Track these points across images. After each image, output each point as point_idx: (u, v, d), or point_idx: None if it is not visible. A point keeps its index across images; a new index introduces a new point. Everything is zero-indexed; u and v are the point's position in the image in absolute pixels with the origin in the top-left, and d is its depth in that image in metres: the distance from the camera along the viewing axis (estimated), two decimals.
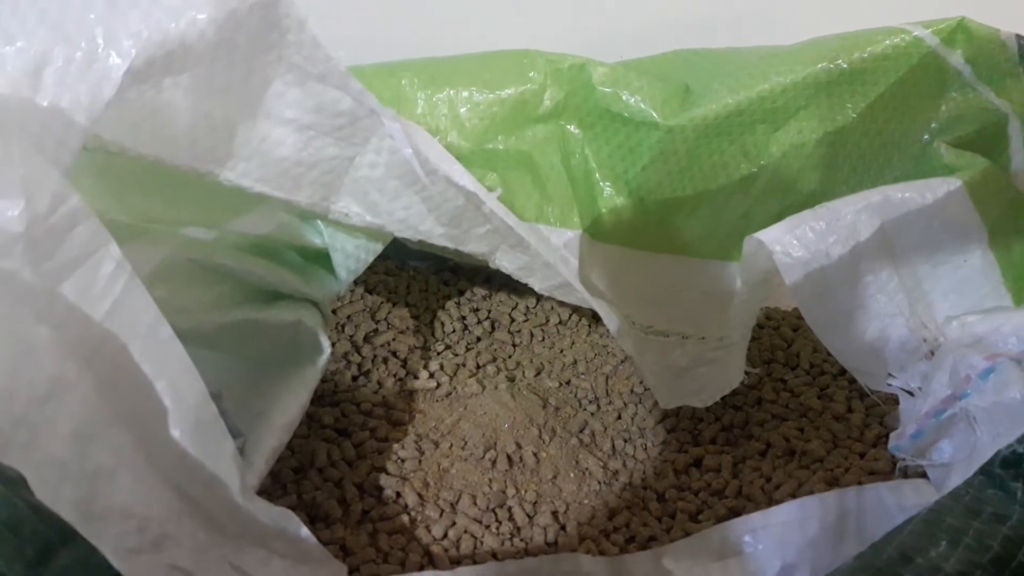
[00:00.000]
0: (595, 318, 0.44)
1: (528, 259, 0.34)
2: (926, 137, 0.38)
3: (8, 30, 0.23)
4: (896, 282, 0.32)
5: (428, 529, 0.32)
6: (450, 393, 0.38)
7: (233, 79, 0.27)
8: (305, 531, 0.26)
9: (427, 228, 0.32)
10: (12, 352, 0.20)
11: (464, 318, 0.43)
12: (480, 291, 0.45)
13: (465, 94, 0.36)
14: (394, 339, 0.40)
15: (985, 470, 0.23)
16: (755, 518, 0.29)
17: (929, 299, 0.32)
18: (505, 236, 0.33)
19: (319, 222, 0.33)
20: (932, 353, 0.32)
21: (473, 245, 0.33)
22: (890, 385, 0.33)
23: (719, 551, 0.28)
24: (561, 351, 0.42)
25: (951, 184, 0.31)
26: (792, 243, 0.30)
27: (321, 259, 0.34)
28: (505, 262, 0.34)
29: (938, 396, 0.30)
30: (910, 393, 0.32)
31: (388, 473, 0.33)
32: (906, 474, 0.32)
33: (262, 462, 0.27)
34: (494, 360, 0.40)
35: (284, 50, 0.26)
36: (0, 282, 0.20)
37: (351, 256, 0.34)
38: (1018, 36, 0.34)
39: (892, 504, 0.28)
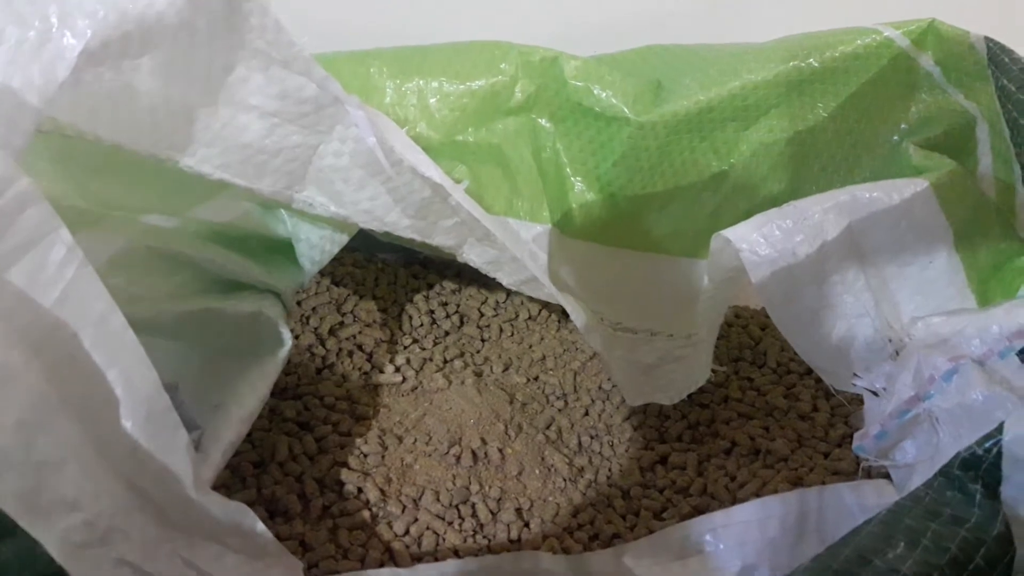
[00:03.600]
0: (565, 314, 0.43)
1: (496, 253, 0.33)
2: (895, 138, 0.38)
3: None
4: (863, 282, 0.32)
5: (390, 525, 0.31)
6: (416, 388, 0.38)
7: (194, 63, 0.26)
8: (261, 526, 0.25)
9: (393, 219, 0.31)
10: None
11: (432, 312, 0.42)
12: (450, 285, 0.44)
13: (435, 84, 0.36)
14: (360, 332, 0.39)
15: (944, 472, 0.23)
16: (716, 517, 0.29)
17: (895, 299, 0.32)
18: (472, 229, 0.32)
19: (283, 211, 0.33)
20: (897, 353, 0.32)
21: (440, 238, 0.33)
22: (855, 385, 0.33)
23: (680, 550, 0.28)
24: (530, 347, 0.42)
25: (918, 185, 0.31)
26: (759, 241, 0.30)
27: (285, 249, 0.33)
28: (473, 256, 0.34)
29: (902, 397, 0.30)
30: (875, 393, 0.32)
31: (350, 468, 0.33)
32: (869, 474, 0.32)
33: (219, 455, 0.27)
34: (462, 355, 0.40)
35: (247, 34, 0.26)
36: None
37: (315, 247, 0.33)
38: (987, 39, 0.34)
39: (853, 504, 0.28)
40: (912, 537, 0.20)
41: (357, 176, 0.30)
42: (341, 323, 0.40)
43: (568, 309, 0.34)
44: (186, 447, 0.24)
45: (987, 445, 0.22)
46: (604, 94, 0.37)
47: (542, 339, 0.42)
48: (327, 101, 0.28)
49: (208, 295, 0.31)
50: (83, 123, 0.26)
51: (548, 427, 0.37)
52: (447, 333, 0.42)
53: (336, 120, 0.28)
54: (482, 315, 0.43)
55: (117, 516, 0.22)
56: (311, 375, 0.37)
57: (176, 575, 0.23)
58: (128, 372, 0.22)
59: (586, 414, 0.38)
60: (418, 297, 0.43)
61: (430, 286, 0.44)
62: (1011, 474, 0.22)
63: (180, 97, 0.27)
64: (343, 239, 0.34)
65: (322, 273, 0.41)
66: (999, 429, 0.22)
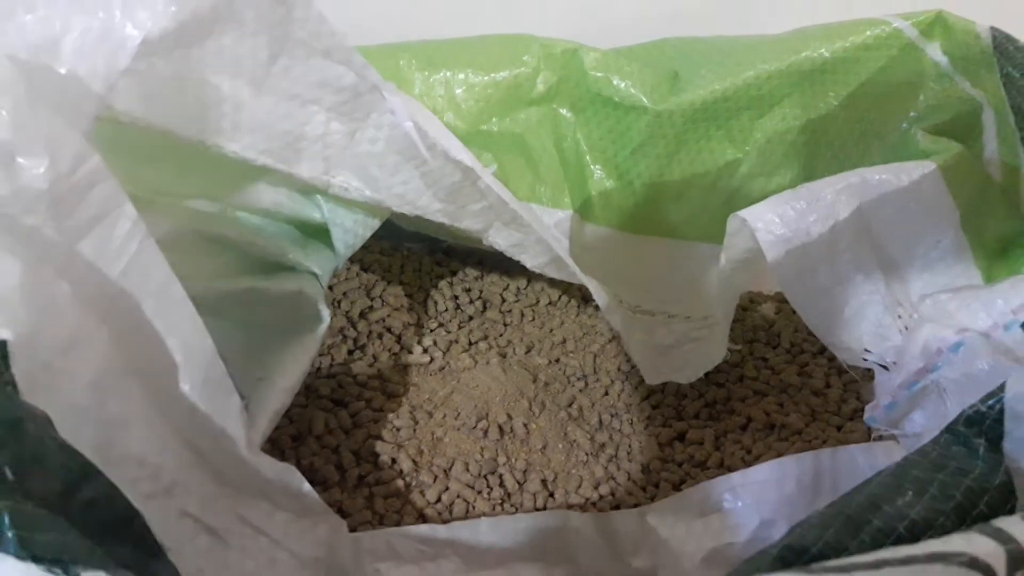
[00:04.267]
0: (584, 299, 0.45)
1: (521, 236, 0.35)
2: (905, 125, 0.39)
3: (25, 1, 0.24)
4: (873, 261, 0.33)
5: (422, 493, 0.33)
6: (443, 367, 0.39)
7: (241, 53, 0.28)
8: (307, 486, 0.27)
9: (424, 203, 0.33)
10: (37, 304, 0.21)
11: (456, 297, 0.44)
12: (472, 272, 0.46)
13: (461, 76, 0.38)
14: (389, 315, 0.41)
15: (951, 428, 0.24)
16: (734, 477, 0.30)
17: (904, 277, 0.34)
18: (499, 213, 0.34)
19: (319, 197, 0.34)
20: (906, 329, 0.33)
21: (468, 221, 0.34)
22: (866, 360, 0.34)
23: (700, 509, 0.29)
24: (551, 330, 0.43)
25: (926, 167, 0.33)
26: (774, 221, 0.32)
27: (320, 234, 0.35)
28: (499, 239, 0.35)
29: (911, 369, 0.32)
30: (885, 367, 0.34)
31: (384, 440, 0.35)
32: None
33: (265, 422, 0.28)
34: (486, 338, 0.42)
35: (290, 26, 0.28)
36: (26, 237, 0.21)
37: (349, 231, 0.35)
38: (993, 29, 0.36)
39: (864, 464, 0.29)
40: (920, 486, 0.22)
41: (392, 161, 0.31)
42: (371, 307, 0.41)
43: (591, 288, 0.36)
44: (239, 411, 0.25)
45: (990, 403, 0.23)
46: (623, 84, 0.39)
47: (562, 323, 0.44)
48: (365, 89, 0.29)
49: (251, 275, 0.33)
50: (137, 110, 0.27)
51: (570, 405, 0.39)
52: (471, 317, 0.43)
53: (372, 108, 0.30)
54: (504, 300, 0.45)
55: (179, 472, 0.24)
56: (344, 355, 0.39)
57: (232, 528, 0.24)
58: (186, 340, 0.24)
59: (606, 394, 0.40)
60: (442, 283, 0.45)
61: (453, 273, 0.46)
62: (1012, 429, 0.23)
63: (227, 85, 0.28)
64: (375, 224, 0.35)
65: (351, 260, 0.43)
66: (1001, 387, 0.24)
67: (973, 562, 0.15)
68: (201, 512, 0.24)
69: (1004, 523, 0.16)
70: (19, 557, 0.16)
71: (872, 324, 0.34)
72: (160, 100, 0.27)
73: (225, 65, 0.28)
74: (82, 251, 0.23)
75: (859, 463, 0.29)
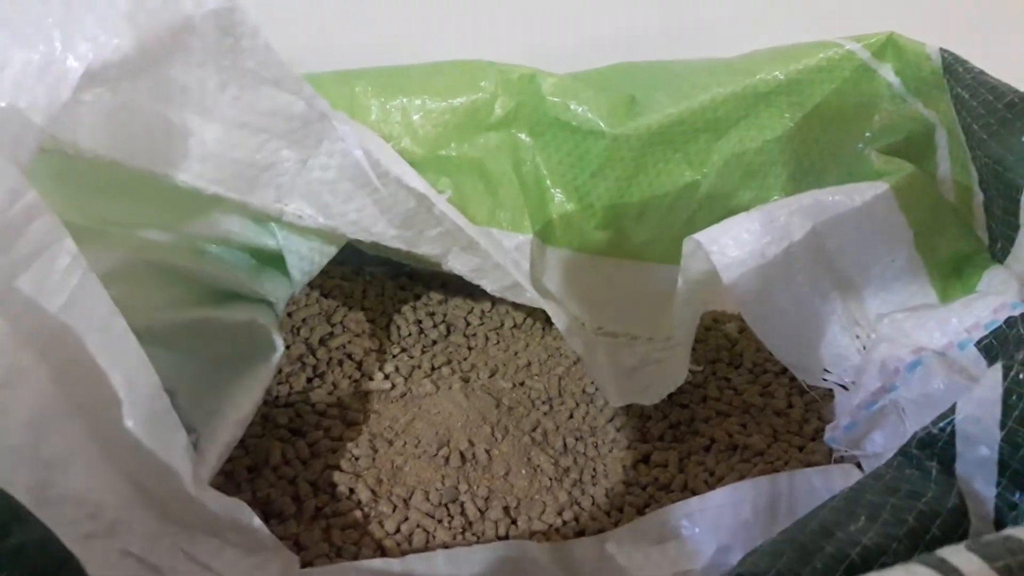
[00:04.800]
0: (549, 322, 0.45)
1: (480, 261, 0.35)
2: (860, 145, 0.39)
3: None
4: (829, 281, 0.33)
5: (381, 524, 0.32)
6: (405, 394, 0.39)
7: (188, 83, 0.28)
8: (257, 521, 0.26)
9: (380, 230, 0.32)
10: None
11: (420, 322, 0.44)
12: (436, 296, 0.45)
13: (418, 102, 0.37)
14: (349, 342, 0.41)
15: (904, 451, 0.24)
16: (692, 503, 0.30)
17: (860, 297, 0.34)
18: (457, 238, 0.34)
19: (273, 224, 0.34)
20: (864, 348, 0.33)
21: (426, 247, 0.34)
22: (826, 380, 0.34)
23: (659, 535, 0.29)
24: (515, 353, 0.43)
25: (879, 188, 0.33)
26: (728, 243, 0.32)
27: (275, 261, 0.35)
28: (458, 264, 0.35)
29: (869, 389, 0.32)
30: (844, 387, 0.34)
31: (342, 470, 0.34)
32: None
33: (215, 456, 0.28)
34: (449, 362, 0.41)
35: (239, 56, 0.27)
36: None
37: (305, 258, 0.34)
38: (942, 50, 0.36)
39: (821, 487, 0.29)
40: (872, 511, 0.22)
41: (344, 188, 0.31)
42: (331, 333, 0.41)
43: (550, 313, 0.36)
44: (185, 446, 0.25)
45: (941, 425, 0.23)
46: (580, 109, 0.39)
47: (527, 346, 0.44)
48: (315, 117, 0.29)
49: (203, 305, 0.32)
50: (83, 141, 0.27)
51: (534, 429, 0.38)
52: (435, 342, 0.43)
53: (323, 135, 0.30)
54: (468, 324, 0.44)
55: (121, 510, 0.23)
56: (302, 384, 0.38)
57: (177, 567, 0.24)
58: (130, 374, 0.24)
59: (571, 417, 0.40)
60: (406, 308, 0.44)
61: (417, 297, 0.45)
62: (964, 451, 0.23)
63: (175, 115, 0.28)
64: (331, 251, 0.35)
65: (311, 285, 0.43)
66: (952, 410, 0.24)
67: None
68: (144, 551, 0.23)
69: (948, 552, 0.16)
70: None
71: (830, 344, 0.34)
72: (107, 131, 0.27)
73: (173, 95, 0.28)
74: (20, 287, 0.22)
75: (816, 486, 0.29)
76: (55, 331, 0.23)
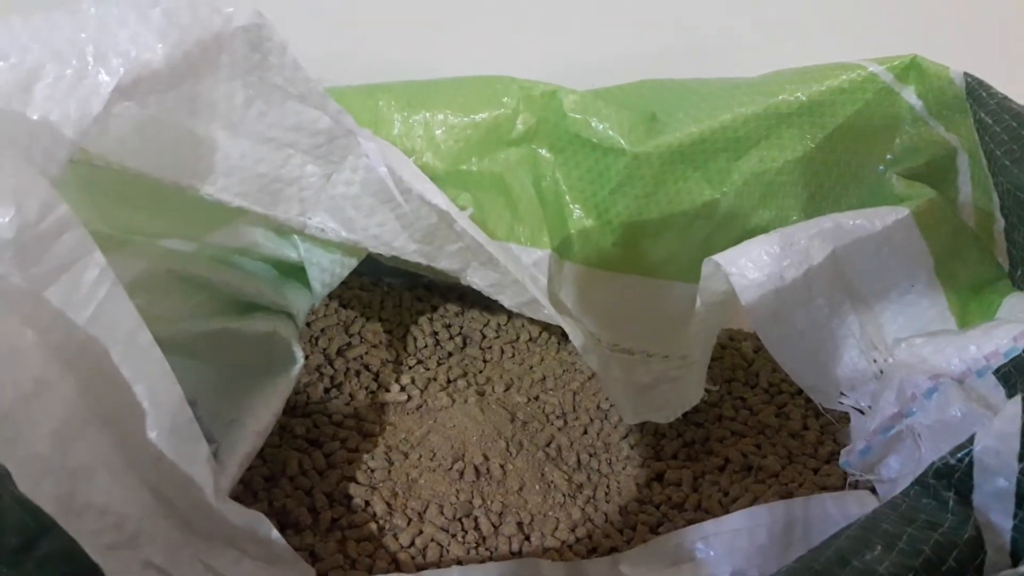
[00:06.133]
0: (564, 336, 0.45)
1: (498, 276, 0.35)
2: (881, 168, 0.39)
3: (1, 47, 0.24)
4: (847, 305, 0.33)
5: (395, 537, 0.33)
6: (420, 406, 0.39)
7: (216, 98, 0.28)
8: (275, 534, 0.27)
9: (401, 244, 0.33)
10: (5, 362, 0.21)
11: (436, 334, 0.44)
12: (453, 308, 0.46)
13: (440, 117, 0.38)
14: (367, 353, 0.41)
15: (920, 480, 0.24)
16: (707, 526, 0.30)
17: (879, 321, 0.34)
18: (476, 254, 0.34)
19: (295, 236, 0.34)
20: (881, 373, 0.33)
21: (445, 262, 0.34)
22: (842, 404, 0.34)
23: (673, 557, 0.29)
24: (531, 367, 0.43)
25: (899, 212, 0.33)
26: (747, 265, 0.32)
27: (296, 272, 0.35)
28: (476, 279, 0.35)
29: (886, 414, 0.32)
30: (860, 411, 0.34)
31: (358, 482, 0.34)
32: (856, 488, 0.33)
33: (235, 467, 0.28)
34: (465, 375, 0.42)
35: (266, 72, 0.28)
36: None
37: (326, 270, 0.35)
38: (966, 74, 0.36)
39: (836, 513, 0.29)
40: (889, 540, 0.22)
41: (367, 203, 0.31)
42: (349, 344, 0.41)
43: (567, 329, 0.36)
44: (207, 458, 0.25)
45: (959, 455, 0.23)
46: (601, 126, 0.39)
47: (542, 360, 0.44)
48: (340, 133, 0.29)
49: (225, 316, 0.33)
50: (111, 153, 0.27)
51: (548, 445, 0.38)
52: (450, 354, 0.43)
53: (348, 151, 0.30)
54: (484, 337, 0.45)
55: (144, 521, 0.23)
56: (320, 394, 0.38)
57: None
58: (154, 386, 0.24)
59: (585, 433, 0.40)
60: (422, 319, 0.45)
61: (434, 309, 0.46)
62: (981, 483, 0.23)
63: (202, 129, 0.28)
64: (352, 263, 0.35)
65: (330, 296, 0.43)
66: (971, 440, 0.24)
67: None
68: (166, 562, 0.23)
69: None
70: None
71: (847, 367, 0.34)
72: (134, 143, 0.27)
73: (200, 109, 0.28)
74: (49, 299, 0.23)
75: (831, 512, 0.29)
76: (82, 343, 0.23)
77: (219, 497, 0.25)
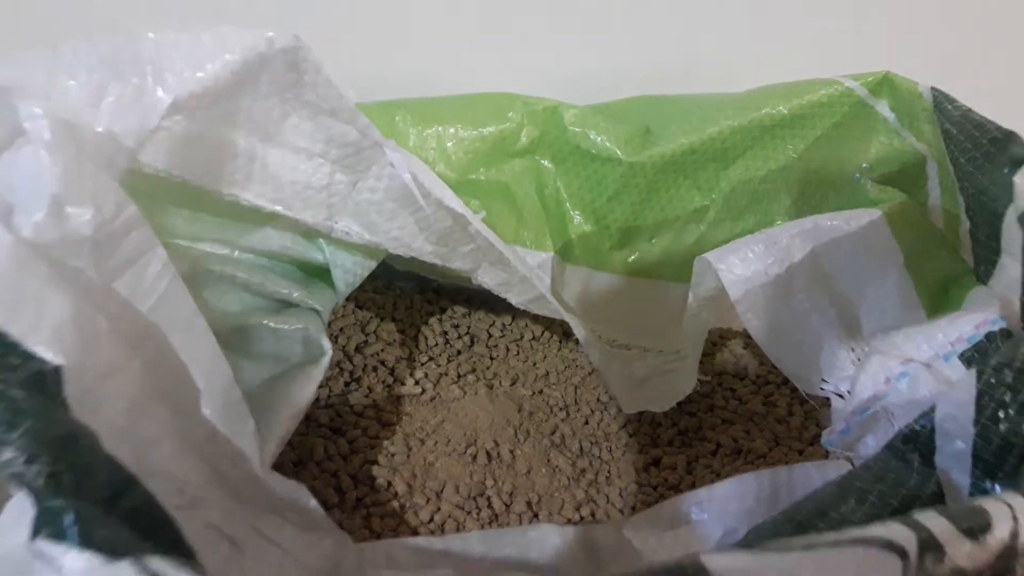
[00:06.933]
0: (565, 334, 0.48)
1: (507, 276, 0.38)
2: (857, 175, 0.42)
3: (71, 67, 0.27)
4: (827, 299, 0.37)
5: (416, 514, 0.35)
6: (434, 398, 0.42)
7: (255, 112, 0.31)
8: (314, 502, 0.29)
9: (419, 246, 0.36)
10: (82, 337, 0.23)
11: (446, 333, 0.47)
12: (460, 309, 0.49)
13: (451, 130, 0.41)
14: (383, 350, 0.44)
15: (890, 446, 0.27)
16: (700, 493, 0.33)
17: (855, 314, 0.37)
18: (487, 254, 0.37)
19: (321, 240, 0.37)
20: (858, 360, 0.37)
21: (459, 262, 0.37)
22: (823, 390, 0.37)
23: (671, 521, 0.32)
24: (534, 364, 0.46)
25: (872, 214, 0.36)
26: (735, 263, 0.35)
27: (322, 274, 0.38)
28: (487, 278, 0.38)
29: (862, 397, 0.35)
30: (840, 396, 0.37)
31: (379, 465, 0.37)
32: None
33: (273, 445, 0.31)
34: (474, 371, 0.45)
35: (301, 89, 0.31)
36: (72, 277, 0.24)
37: (349, 271, 0.38)
38: (933, 88, 0.39)
39: (817, 479, 0.32)
40: (861, 496, 0.25)
41: (389, 208, 0.34)
42: (365, 342, 0.44)
43: (571, 324, 0.39)
44: (253, 433, 0.28)
45: (923, 422, 0.27)
46: (599, 138, 0.42)
47: (545, 357, 0.47)
48: (366, 144, 0.32)
49: (259, 313, 0.35)
50: (161, 163, 0.30)
51: (552, 433, 0.41)
52: (459, 352, 0.46)
53: (373, 161, 0.33)
54: (491, 336, 0.48)
55: (201, 488, 0.26)
56: (341, 387, 0.41)
57: (248, 539, 0.27)
58: (208, 368, 0.27)
59: (586, 423, 0.43)
60: (432, 320, 0.47)
61: (443, 310, 0.48)
62: (942, 445, 0.26)
63: (242, 141, 0.31)
64: (372, 265, 0.38)
65: (347, 299, 0.46)
66: (932, 409, 0.27)
67: (889, 544, 0.18)
68: (222, 523, 0.26)
69: (920, 515, 0.19)
70: (81, 549, 0.19)
71: (828, 356, 0.37)
72: (182, 154, 0.30)
73: (241, 123, 0.31)
74: (118, 289, 0.26)
75: (813, 478, 0.32)
76: (146, 329, 0.26)
77: (264, 468, 0.28)
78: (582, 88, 0.44)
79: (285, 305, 0.37)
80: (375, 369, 0.43)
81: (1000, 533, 0.19)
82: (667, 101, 0.44)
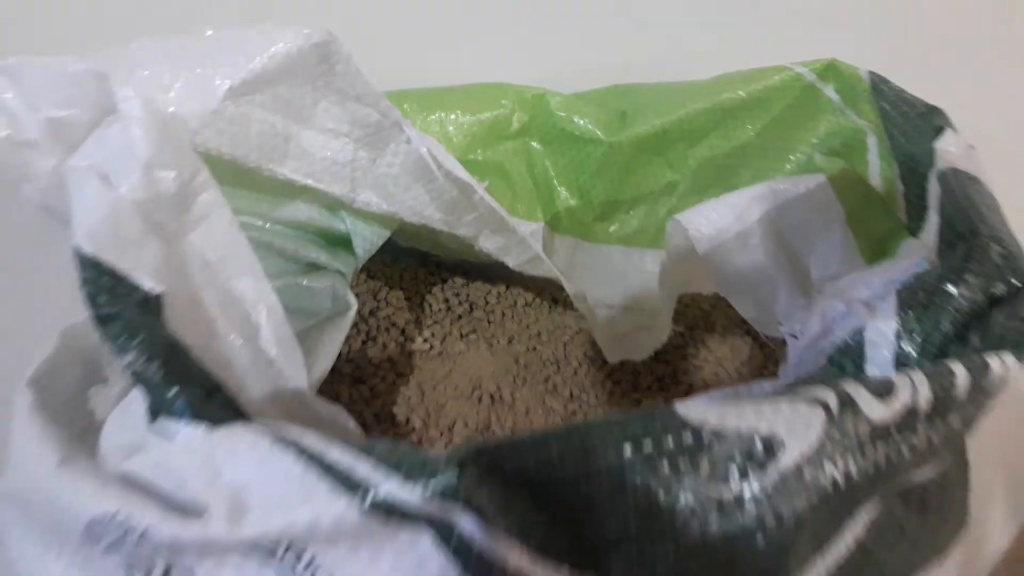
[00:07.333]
0: (554, 300, 0.54)
1: (505, 240, 0.44)
2: (807, 149, 0.48)
3: (144, 62, 0.32)
4: (781, 252, 0.42)
5: (432, 445, 0.41)
6: (441, 353, 0.48)
7: (292, 98, 0.36)
8: (352, 423, 0.35)
9: (429, 213, 0.41)
10: (171, 273, 0.29)
11: (447, 300, 0.52)
12: (459, 280, 0.54)
13: (452, 116, 0.47)
14: (393, 313, 0.49)
15: (828, 356, 0.33)
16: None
17: (805, 264, 0.43)
18: (488, 222, 0.43)
19: (342, 212, 0.43)
20: (809, 304, 0.43)
21: (463, 229, 0.43)
22: (780, 331, 0.43)
23: None
24: (527, 325, 0.52)
25: (818, 179, 0.42)
26: (701, 222, 0.41)
27: (342, 242, 0.43)
28: (487, 244, 0.44)
29: (812, 335, 0.41)
30: (795, 336, 0.43)
31: (398, 406, 0.43)
32: None
33: (315, 379, 0.36)
34: (475, 331, 0.50)
35: (332, 78, 0.36)
36: (160, 227, 0.29)
37: (367, 239, 0.43)
38: (871, 72, 0.45)
39: (770, 390, 0.38)
40: None
41: (404, 181, 0.40)
42: (377, 307, 0.50)
43: (563, 283, 0.45)
44: (303, 363, 0.33)
45: (855, 337, 0.32)
46: (582, 122, 0.48)
47: (536, 320, 0.52)
48: (386, 125, 0.38)
49: (292, 274, 0.41)
50: (212, 142, 0.35)
51: (546, 381, 0.47)
52: (460, 316, 0.52)
53: (391, 139, 0.39)
54: (487, 303, 0.53)
55: (262, 404, 0.32)
56: (359, 345, 0.47)
57: None
58: (268, 306, 0.32)
59: (575, 374, 0.48)
60: (435, 289, 0.53)
61: (444, 281, 0.54)
62: (871, 355, 0.32)
63: (280, 123, 0.37)
64: (386, 234, 0.44)
65: (359, 270, 0.51)
66: (863, 328, 0.33)
67: (816, 400, 0.24)
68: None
69: (842, 382, 0.25)
70: (193, 423, 0.24)
71: (783, 302, 0.43)
72: (230, 134, 0.36)
73: (279, 107, 0.36)
74: (192, 241, 0.31)
75: (767, 390, 0.38)
76: (215, 273, 0.31)
77: (310, 393, 0.33)
78: (566, 78, 0.49)
79: (314, 268, 0.42)
80: (387, 329, 0.48)
81: (903, 397, 0.25)
82: (641, 88, 0.49)
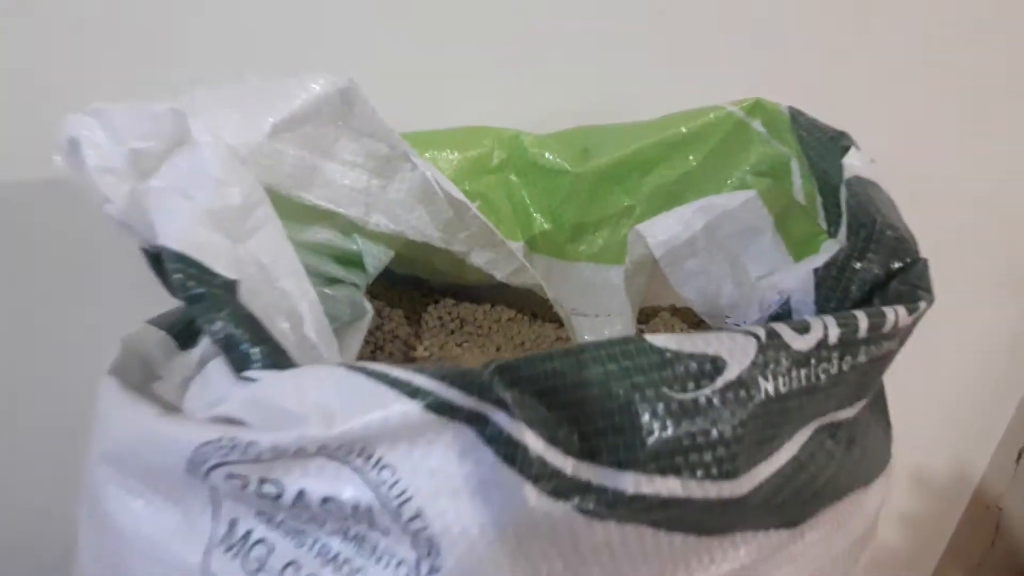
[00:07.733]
0: (534, 315, 0.61)
1: (494, 254, 0.51)
2: (741, 175, 0.57)
3: (205, 104, 0.40)
4: (722, 256, 0.51)
5: None
6: (441, 358, 0.55)
7: (318, 135, 0.44)
8: None
9: (429, 232, 0.49)
10: (238, 268, 0.36)
11: (441, 317, 0.60)
12: (450, 300, 0.62)
13: (443, 154, 0.55)
14: (396, 327, 0.56)
15: (764, 324, 0.41)
16: None
17: (743, 265, 0.51)
18: (479, 239, 0.50)
19: (355, 235, 0.50)
20: (748, 298, 0.51)
21: (457, 246, 0.51)
22: (726, 323, 0.51)
23: None
24: (511, 337, 0.59)
25: (749, 194, 0.51)
26: (658, 232, 0.49)
27: (356, 260, 0.51)
28: (478, 259, 0.52)
29: (749, 321, 0.49)
30: (738, 325, 0.51)
31: None
32: None
33: None
34: (467, 341, 0.57)
35: (351, 117, 0.44)
36: (228, 234, 0.37)
37: (376, 257, 0.50)
38: (790, 107, 0.54)
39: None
40: None
41: (409, 203, 0.48)
42: (382, 322, 0.57)
43: (545, 289, 0.52)
44: (338, 349, 0.41)
45: (784, 306, 0.41)
46: (552, 156, 0.56)
47: (519, 332, 0.60)
48: (396, 156, 0.46)
49: (317, 285, 0.48)
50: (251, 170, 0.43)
51: None
52: (453, 331, 0.59)
53: (398, 168, 0.47)
54: (476, 319, 0.61)
55: None
56: (368, 353, 0.54)
57: None
58: (309, 302, 0.39)
59: None
60: (429, 308, 0.60)
61: (436, 301, 0.61)
62: (796, 311, 0.40)
63: (307, 156, 0.44)
64: (391, 253, 0.51)
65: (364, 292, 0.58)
66: (790, 298, 0.41)
67: (749, 332, 0.31)
68: None
69: (771, 323, 0.33)
70: (270, 369, 0.31)
71: (727, 297, 0.51)
72: (265, 165, 0.43)
73: (308, 143, 0.44)
74: (250, 245, 0.38)
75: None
76: (267, 275, 0.39)
77: None
78: (537, 121, 0.58)
79: (334, 280, 0.49)
80: (392, 340, 0.55)
81: (817, 333, 0.33)
82: (600, 128, 0.58)
